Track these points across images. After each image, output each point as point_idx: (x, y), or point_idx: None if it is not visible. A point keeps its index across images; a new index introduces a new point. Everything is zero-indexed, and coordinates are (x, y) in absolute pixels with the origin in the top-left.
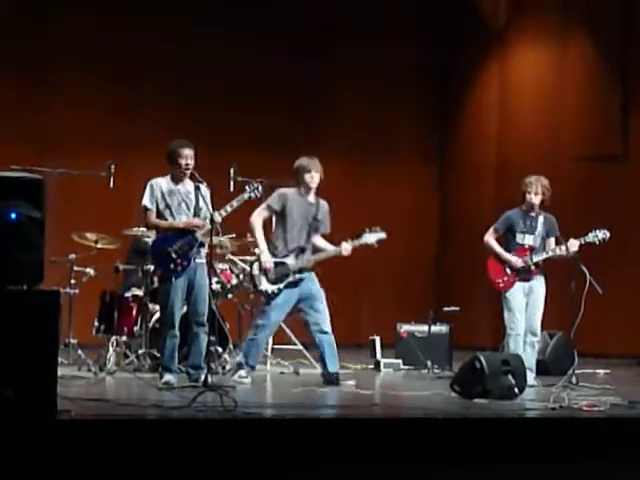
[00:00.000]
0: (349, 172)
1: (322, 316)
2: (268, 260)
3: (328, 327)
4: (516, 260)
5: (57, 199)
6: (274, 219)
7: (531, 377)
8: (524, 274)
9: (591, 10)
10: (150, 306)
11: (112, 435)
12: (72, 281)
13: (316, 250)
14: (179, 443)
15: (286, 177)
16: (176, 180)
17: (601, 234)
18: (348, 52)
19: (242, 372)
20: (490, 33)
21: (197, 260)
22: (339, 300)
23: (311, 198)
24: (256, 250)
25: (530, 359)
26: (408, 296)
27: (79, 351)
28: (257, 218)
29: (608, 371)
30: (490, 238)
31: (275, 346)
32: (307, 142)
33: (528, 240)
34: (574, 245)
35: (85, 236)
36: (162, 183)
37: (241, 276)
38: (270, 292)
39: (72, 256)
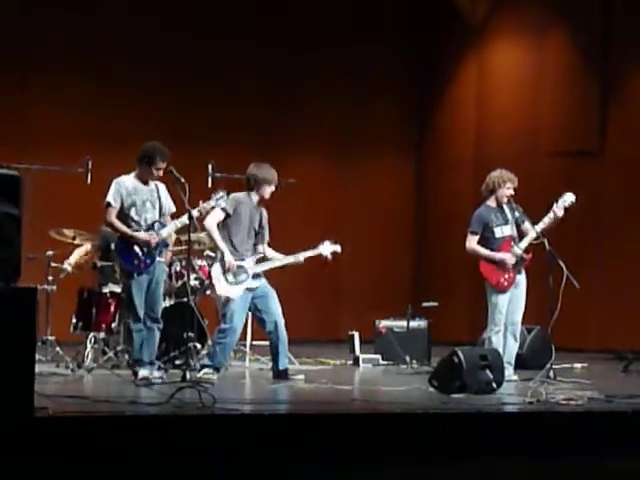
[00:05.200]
0: (327, 168)
1: (276, 315)
2: (232, 261)
3: (282, 325)
4: (508, 256)
5: (34, 195)
6: (226, 223)
7: (510, 371)
8: (519, 265)
9: (569, 5)
10: None
11: (90, 432)
12: (49, 278)
13: (265, 259)
14: (157, 440)
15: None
16: (141, 179)
17: (568, 198)
18: (326, 47)
19: (207, 370)
20: (468, 28)
21: (157, 258)
22: (318, 296)
23: (256, 204)
24: (209, 253)
25: (512, 351)
26: (387, 291)
27: (57, 348)
28: (213, 222)
29: (585, 365)
30: (473, 244)
31: (253, 342)
32: (286, 137)
33: (507, 231)
34: (538, 227)
35: (63, 232)
36: (127, 182)
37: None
38: (231, 296)
39: (49, 253)
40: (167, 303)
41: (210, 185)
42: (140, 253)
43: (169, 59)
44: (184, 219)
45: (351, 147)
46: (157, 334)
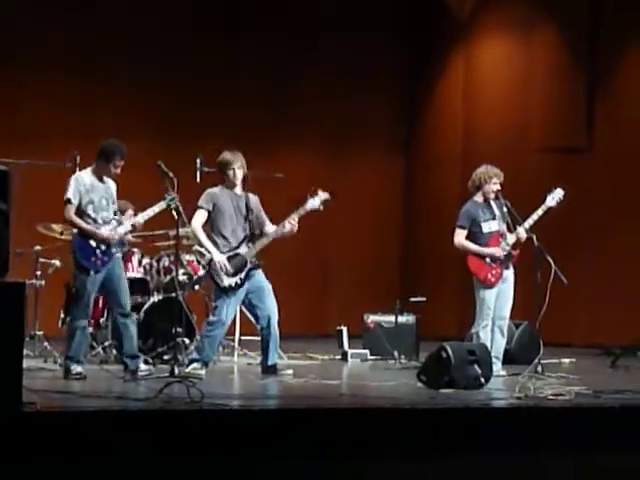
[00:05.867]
0: (317, 163)
1: (270, 310)
2: (220, 258)
3: (275, 321)
4: (497, 250)
5: (22, 190)
6: (210, 218)
7: (498, 366)
8: (507, 261)
9: (557, 1)
10: None
11: (78, 428)
12: (38, 273)
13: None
14: (146, 435)
15: (251, 170)
16: (98, 176)
17: (557, 195)
18: (316, 45)
19: (196, 364)
20: (456, 24)
21: (116, 254)
22: (306, 291)
23: (238, 191)
24: (198, 248)
25: (500, 347)
26: (375, 286)
27: (45, 343)
28: (197, 222)
29: (573, 360)
30: (461, 239)
31: (242, 337)
32: (276, 134)
33: (494, 226)
34: (523, 230)
35: (51, 227)
36: (85, 178)
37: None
38: (234, 284)
39: (38, 247)
40: (155, 298)
41: (199, 180)
42: (97, 250)
43: (158, 58)
44: (139, 217)
45: (342, 143)
46: (133, 327)
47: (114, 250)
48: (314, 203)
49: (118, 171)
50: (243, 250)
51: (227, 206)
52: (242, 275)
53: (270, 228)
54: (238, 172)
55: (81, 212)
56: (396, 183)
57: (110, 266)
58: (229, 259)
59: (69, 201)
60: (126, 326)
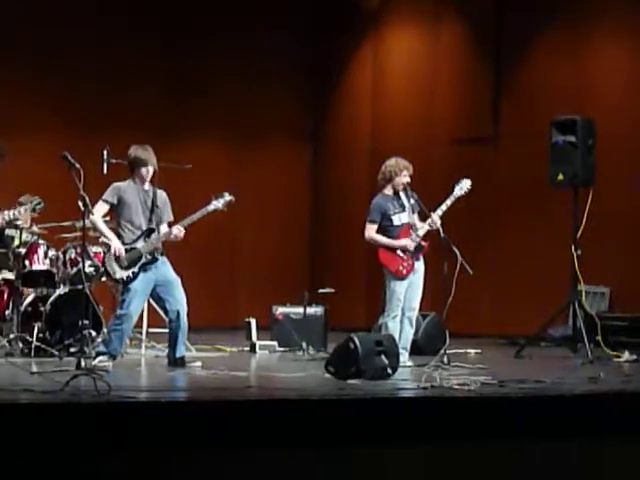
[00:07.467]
0: (224, 154)
1: (179, 303)
2: (119, 246)
3: (184, 313)
4: (408, 242)
5: None
6: (116, 212)
7: (405, 357)
8: (418, 252)
9: None
10: (22, 290)
11: None
12: None
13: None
14: (52, 428)
15: (163, 162)
16: None
17: (465, 185)
18: (222, 33)
19: (103, 357)
20: (365, 15)
21: None
22: (215, 283)
23: (146, 186)
24: (105, 240)
25: (408, 337)
26: (284, 278)
27: None
28: (96, 213)
29: (479, 351)
30: (372, 233)
31: (150, 329)
32: (182, 124)
33: (405, 218)
34: (437, 216)
35: None
36: None
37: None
38: (126, 278)
39: None
40: (62, 290)
41: (105, 171)
42: None
43: (62, 46)
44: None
45: (248, 133)
46: None
47: None
48: (217, 205)
49: None
50: (139, 244)
51: (134, 200)
52: (135, 269)
53: (163, 228)
54: (150, 170)
55: None
56: (304, 174)
57: None
58: (126, 251)
59: None
60: None
